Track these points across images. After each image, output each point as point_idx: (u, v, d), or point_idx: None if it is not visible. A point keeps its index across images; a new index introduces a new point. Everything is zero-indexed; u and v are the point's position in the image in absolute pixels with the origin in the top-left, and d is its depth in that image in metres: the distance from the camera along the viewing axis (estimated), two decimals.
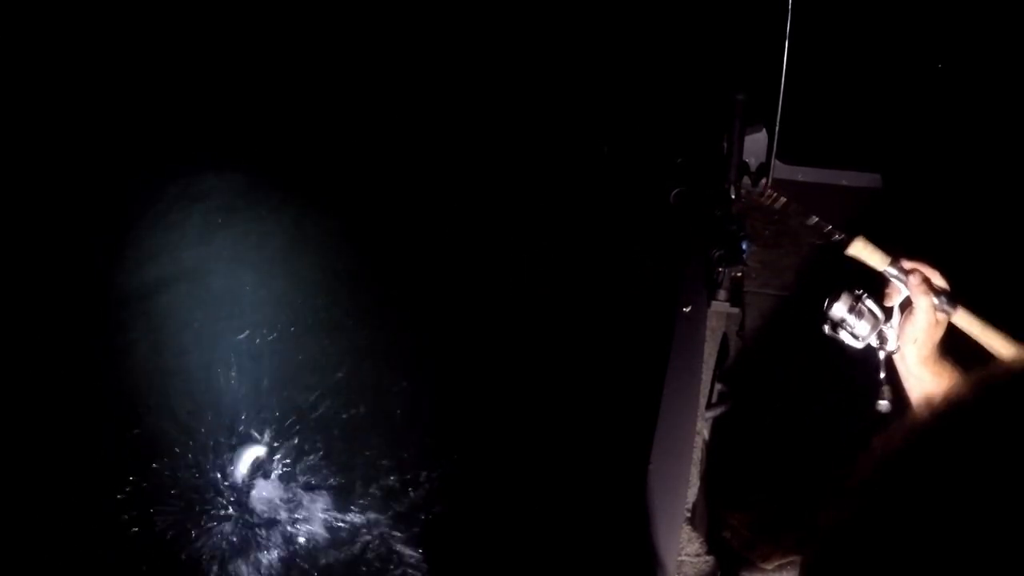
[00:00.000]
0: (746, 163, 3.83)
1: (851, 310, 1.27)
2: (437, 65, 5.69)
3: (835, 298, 1.28)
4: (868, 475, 0.58)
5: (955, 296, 1.26)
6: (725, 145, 3.59)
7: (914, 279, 1.24)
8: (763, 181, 4.08)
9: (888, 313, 1.28)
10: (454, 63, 5.68)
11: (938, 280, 1.26)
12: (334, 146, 5.29)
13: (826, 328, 1.30)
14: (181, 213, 4.87)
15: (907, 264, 1.27)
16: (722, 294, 3.25)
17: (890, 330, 1.28)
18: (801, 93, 4.03)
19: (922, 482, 0.54)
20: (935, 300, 1.24)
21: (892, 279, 1.28)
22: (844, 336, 1.29)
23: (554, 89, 5.32)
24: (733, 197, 3.44)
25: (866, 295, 1.28)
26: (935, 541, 0.52)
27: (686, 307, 3.29)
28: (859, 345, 1.29)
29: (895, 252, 1.29)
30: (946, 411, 0.58)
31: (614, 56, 5.43)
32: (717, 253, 3.21)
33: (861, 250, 1.30)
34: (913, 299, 1.25)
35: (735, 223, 3.29)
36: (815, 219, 3.85)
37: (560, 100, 5.26)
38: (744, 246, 3.21)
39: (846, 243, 1.31)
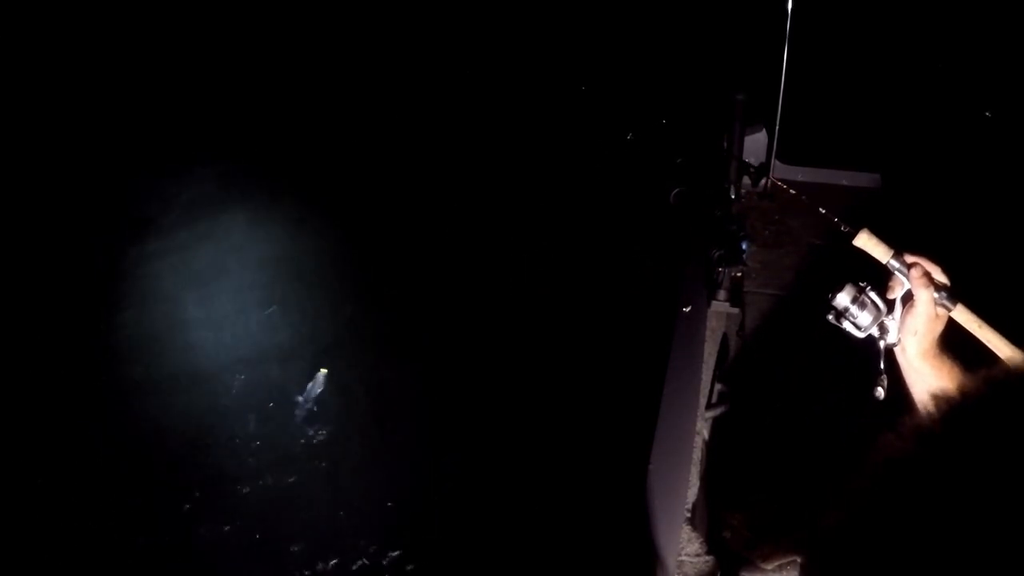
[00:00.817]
0: (746, 163, 3.83)
1: (854, 300, 1.30)
2: (438, 68, 5.70)
3: (839, 288, 1.31)
4: (871, 476, 0.58)
5: (955, 292, 1.27)
6: (725, 145, 3.59)
7: (915, 272, 1.27)
8: (763, 181, 4.08)
9: (890, 306, 1.31)
10: (455, 65, 5.69)
11: (939, 275, 1.28)
12: (334, 145, 5.30)
13: (830, 317, 1.33)
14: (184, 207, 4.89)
15: (909, 258, 1.30)
16: (722, 294, 3.25)
17: (891, 322, 1.31)
18: (801, 93, 4.03)
19: (924, 484, 0.54)
20: (935, 294, 1.26)
21: (895, 271, 1.31)
22: (847, 326, 1.32)
23: (554, 89, 5.32)
24: (733, 197, 3.44)
25: (870, 287, 1.31)
26: (936, 543, 0.52)
27: (686, 307, 3.29)
28: (861, 335, 1.32)
29: (899, 246, 1.31)
30: (950, 413, 0.58)
31: (614, 56, 5.44)
32: (717, 253, 3.21)
33: (866, 242, 1.33)
34: (914, 292, 1.27)
35: (735, 223, 3.29)
36: (815, 218, 3.86)
37: (560, 100, 5.26)
38: (744, 246, 3.21)
39: (852, 235, 1.34)
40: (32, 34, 5.94)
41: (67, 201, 4.89)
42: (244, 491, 3.42)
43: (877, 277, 1.32)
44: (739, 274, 3.33)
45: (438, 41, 5.89)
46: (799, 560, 2.52)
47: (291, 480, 3.47)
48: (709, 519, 2.69)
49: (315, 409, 3.76)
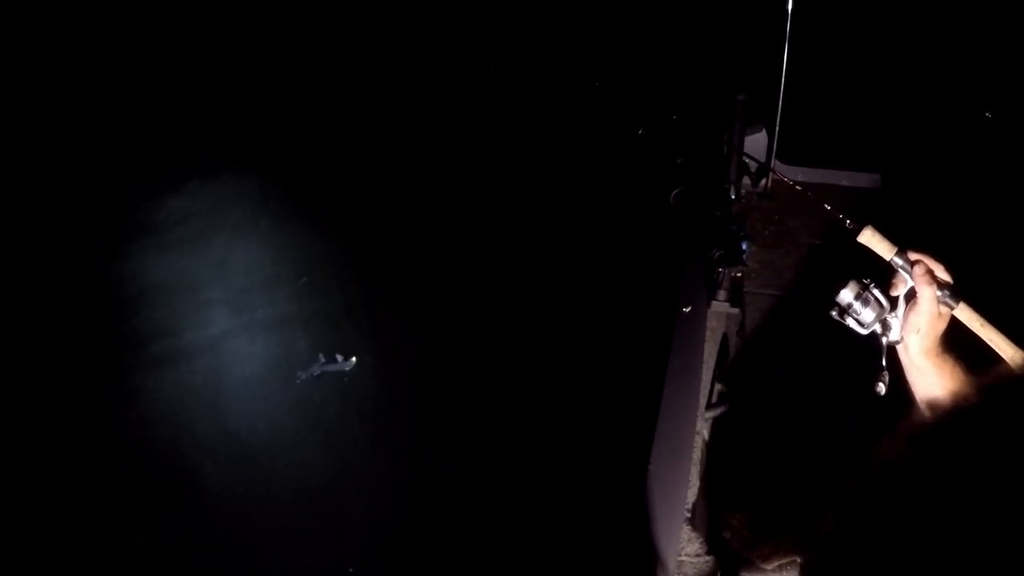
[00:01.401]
0: (746, 163, 3.83)
1: (858, 297, 1.31)
2: (439, 68, 5.70)
3: (843, 284, 1.32)
4: (871, 476, 0.58)
5: (958, 290, 1.28)
6: (725, 145, 3.59)
7: (918, 270, 1.27)
8: (763, 181, 4.09)
9: (893, 303, 1.32)
10: (455, 65, 5.69)
11: (942, 273, 1.28)
12: (334, 145, 5.30)
13: (833, 313, 1.34)
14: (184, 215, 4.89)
15: (913, 255, 1.30)
16: (722, 294, 3.25)
17: (894, 319, 1.32)
18: (801, 93, 4.03)
19: (925, 484, 0.54)
20: (938, 292, 1.26)
21: (898, 269, 1.31)
22: (850, 322, 1.33)
23: (554, 89, 5.32)
24: (733, 197, 3.44)
25: (873, 284, 1.32)
26: (939, 543, 0.52)
27: (686, 307, 3.29)
28: (864, 332, 1.33)
29: (902, 243, 1.32)
30: (951, 414, 0.58)
31: (614, 56, 5.44)
32: (717, 253, 3.21)
33: (870, 238, 1.33)
34: (917, 290, 1.27)
35: (735, 223, 3.29)
36: (815, 218, 3.87)
37: (561, 100, 5.26)
38: (744, 246, 3.21)
39: (856, 231, 1.34)
40: (32, 34, 5.94)
41: (67, 199, 4.89)
42: (244, 491, 3.42)
43: (880, 275, 1.33)
44: (739, 274, 3.33)
45: (438, 41, 5.89)
46: (799, 560, 2.52)
47: (291, 480, 3.47)
48: (709, 519, 2.69)
49: (315, 409, 3.77)
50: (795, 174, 4.14)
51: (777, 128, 4.01)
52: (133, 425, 3.70)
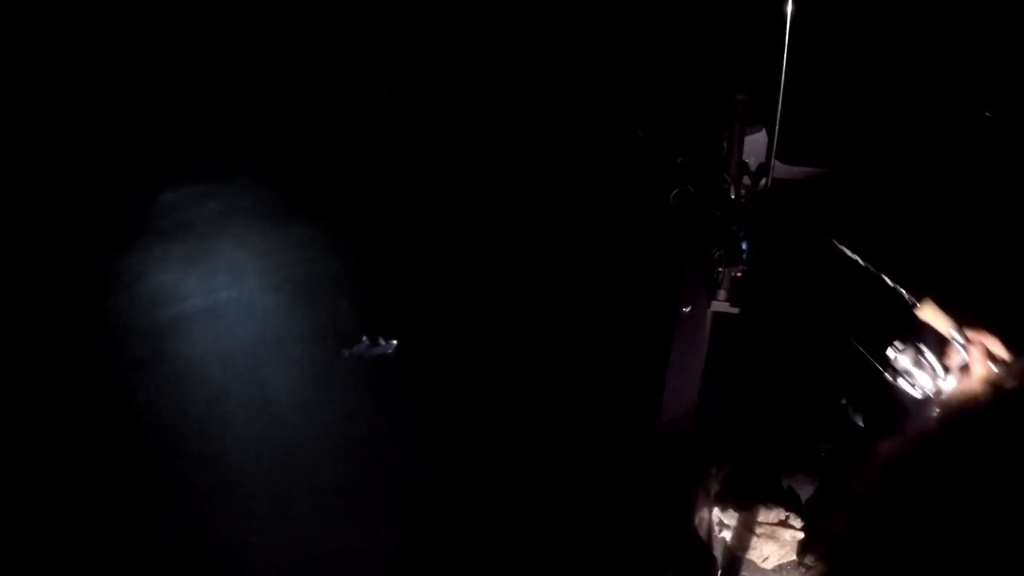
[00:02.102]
0: (746, 163, 3.83)
1: (915, 363, 1.39)
2: (438, 67, 5.70)
3: (902, 350, 1.40)
4: (876, 478, 0.58)
5: (1013, 366, 1.33)
6: (725, 145, 3.59)
7: (975, 351, 1.33)
8: (763, 181, 4.08)
9: (947, 369, 1.39)
10: (455, 64, 5.69)
11: (997, 349, 1.33)
12: (333, 145, 5.30)
13: (888, 375, 1.42)
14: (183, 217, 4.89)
15: (971, 333, 1.37)
16: (722, 294, 3.25)
17: (945, 384, 1.38)
18: (801, 93, 4.03)
19: (929, 485, 0.54)
20: (993, 367, 1.32)
21: (955, 343, 1.38)
22: (904, 384, 1.41)
23: (554, 89, 5.32)
24: (733, 197, 3.44)
25: (928, 351, 1.40)
26: (941, 543, 0.52)
27: (686, 307, 3.29)
28: (917, 395, 1.40)
29: (958, 317, 1.39)
30: (953, 418, 0.58)
31: (613, 56, 5.44)
32: (717, 253, 3.21)
33: (929, 314, 1.41)
34: (971, 367, 1.33)
35: (735, 223, 3.29)
36: (815, 218, 3.87)
37: (560, 100, 5.26)
38: (744, 246, 3.21)
39: (914, 304, 1.43)
40: (32, 34, 5.94)
41: (66, 197, 4.89)
42: (245, 491, 3.43)
43: (915, 327, 1.39)
44: (739, 274, 3.33)
45: (438, 41, 5.89)
46: (799, 560, 2.53)
47: (291, 480, 3.48)
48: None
49: (315, 410, 3.77)
50: (795, 174, 4.13)
51: (777, 128, 4.00)
52: (133, 424, 3.70)
